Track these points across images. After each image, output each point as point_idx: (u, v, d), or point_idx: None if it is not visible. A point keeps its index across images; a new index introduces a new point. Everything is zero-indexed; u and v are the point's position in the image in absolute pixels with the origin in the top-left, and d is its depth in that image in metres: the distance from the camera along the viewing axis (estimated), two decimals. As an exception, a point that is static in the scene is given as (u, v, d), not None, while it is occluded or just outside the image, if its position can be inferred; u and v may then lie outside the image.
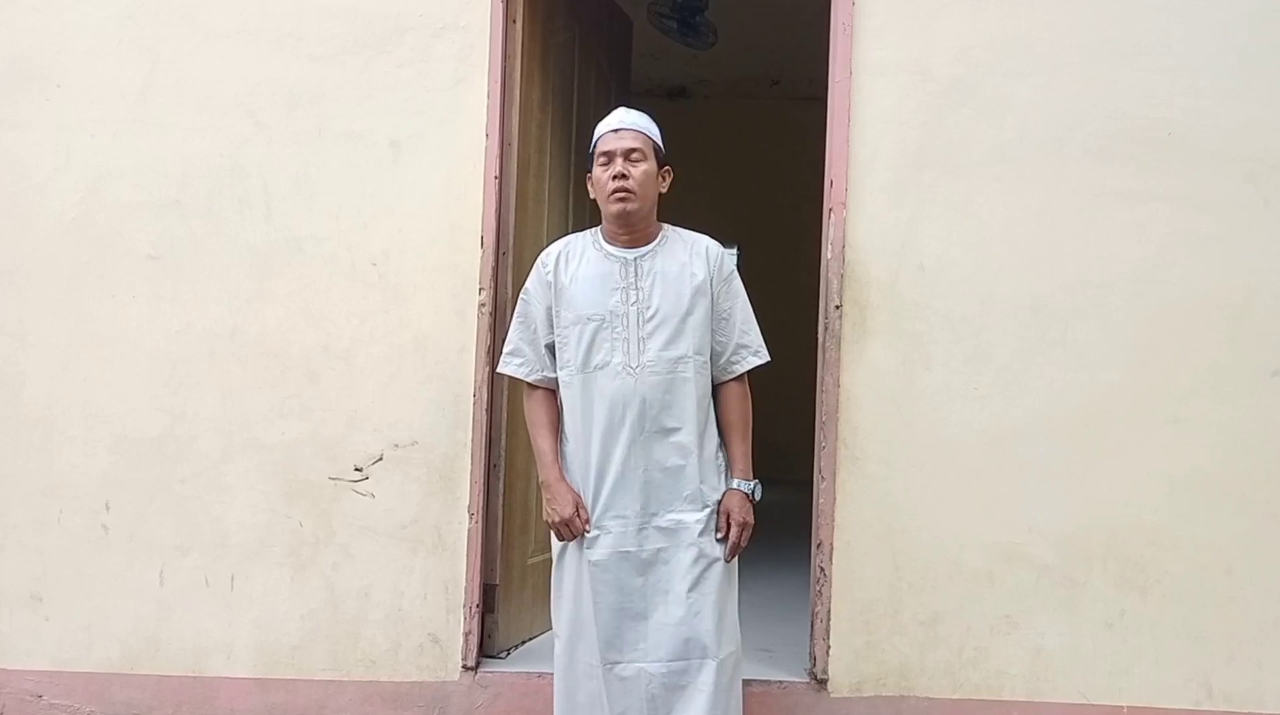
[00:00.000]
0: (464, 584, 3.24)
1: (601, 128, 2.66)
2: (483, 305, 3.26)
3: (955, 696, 3.14)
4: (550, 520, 2.63)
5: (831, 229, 3.19)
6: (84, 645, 3.29)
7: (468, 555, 3.24)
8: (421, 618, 3.25)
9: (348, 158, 3.30)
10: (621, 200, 2.57)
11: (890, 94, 3.21)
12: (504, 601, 3.36)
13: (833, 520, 3.16)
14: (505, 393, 3.33)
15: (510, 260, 3.34)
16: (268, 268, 3.30)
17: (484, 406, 3.25)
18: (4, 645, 3.30)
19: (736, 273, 2.70)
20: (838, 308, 3.17)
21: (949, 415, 3.17)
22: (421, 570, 3.25)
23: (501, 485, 3.33)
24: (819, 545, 3.17)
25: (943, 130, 3.20)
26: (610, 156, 2.60)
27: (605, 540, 2.57)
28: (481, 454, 3.25)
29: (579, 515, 2.58)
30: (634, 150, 2.59)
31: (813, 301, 3.26)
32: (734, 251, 6.81)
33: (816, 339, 3.22)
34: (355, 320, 3.29)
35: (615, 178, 2.57)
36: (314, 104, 3.31)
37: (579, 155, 3.80)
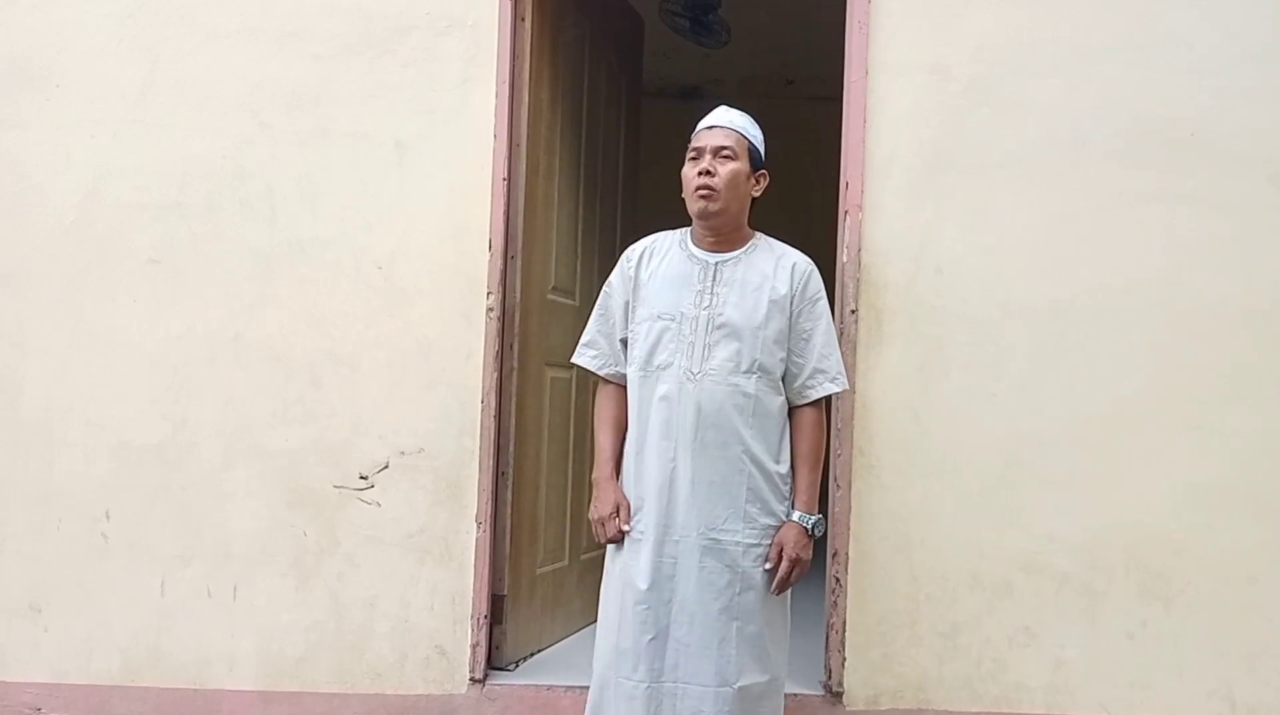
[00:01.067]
0: (471, 595, 3.24)
1: (700, 124, 2.64)
2: (490, 309, 3.26)
3: (974, 709, 3.14)
4: (590, 518, 2.63)
5: (847, 232, 3.19)
6: (83, 656, 3.29)
7: (475, 565, 3.24)
8: (428, 629, 3.25)
9: (352, 159, 3.30)
10: (704, 198, 2.54)
11: (907, 94, 3.21)
12: (512, 613, 3.36)
13: (848, 529, 3.16)
14: (514, 400, 3.33)
15: (519, 264, 3.34)
16: (270, 271, 3.31)
17: (492, 413, 3.25)
18: (2, 656, 3.31)
19: (823, 293, 2.64)
20: (853, 312, 3.17)
21: (967, 422, 3.17)
22: (428, 581, 3.25)
23: (510, 494, 3.33)
24: (834, 555, 3.17)
25: (961, 131, 3.20)
26: (700, 152, 2.57)
27: (644, 546, 2.52)
28: (489, 462, 3.25)
29: (616, 517, 2.55)
30: (724, 148, 2.55)
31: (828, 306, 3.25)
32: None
33: (831, 344, 3.22)
34: (360, 324, 3.29)
35: (700, 174, 2.54)
36: (317, 104, 3.31)
37: (589, 156, 3.82)
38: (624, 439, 2.64)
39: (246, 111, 3.33)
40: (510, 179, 3.30)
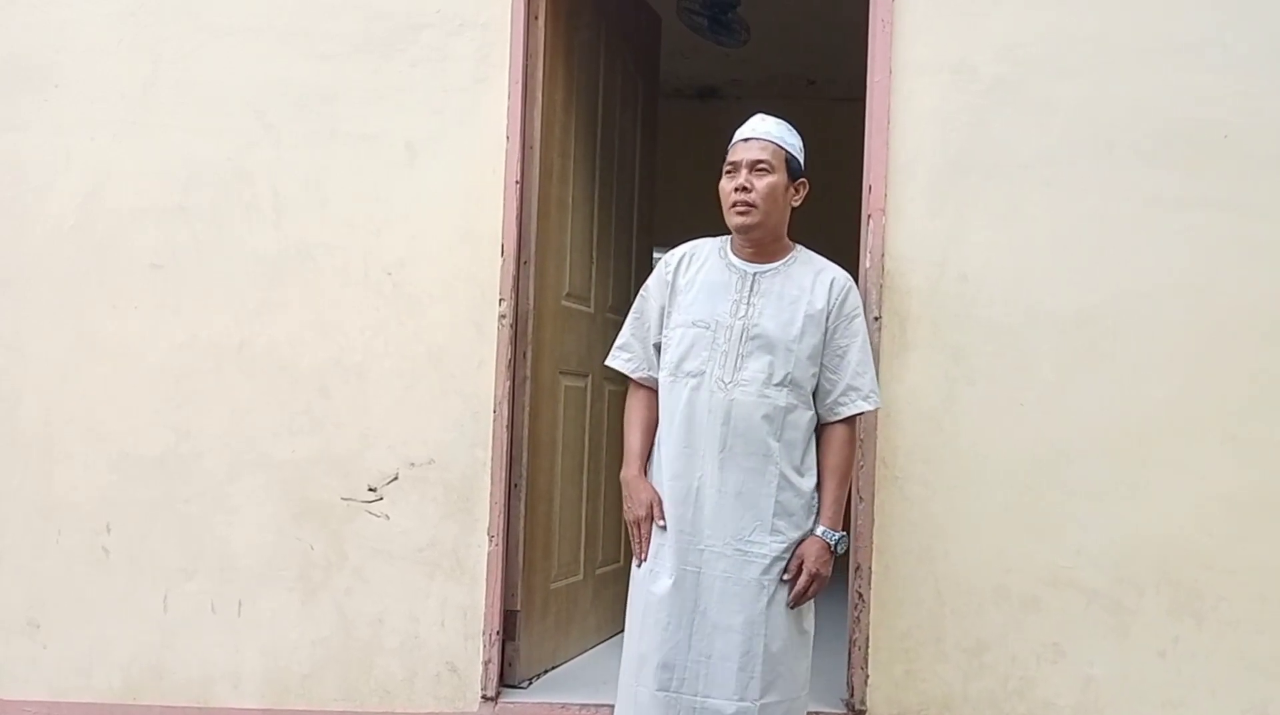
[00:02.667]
0: (483, 610, 3.24)
1: (735, 135, 2.67)
2: (503, 316, 3.26)
3: (1001, 729, 3.14)
4: (625, 518, 2.67)
5: (870, 236, 3.19)
6: (84, 674, 3.29)
7: (487, 580, 3.24)
8: (439, 645, 3.25)
9: (361, 161, 3.30)
10: (741, 215, 2.58)
11: (932, 94, 3.20)
12: (525, 628, 3.36)
13: (871, 543, 3.16)
14: (527, 409, 3.33)
15: (531, 269, 3.35)
16: (276, 277, 3.31)
17: (504, 423, 3.25)
18: (0, 674, 3.31)
19: (860, 310, 2.68)
20: (876, 319, 3.16)
21: (992, 432, 3.16)
22: (439, 595, 3.25)
23: (523, 506, 3.33)
24: (857, 569, 3.17)
25: (987, 133, 3.19)
26: (736, 167, 2.60)
27: (668, 554, 2.56)
28: (502, 473, 3.25)
29: (650, 517, 2.59)
30: (760, 162, 2.58)
31: (850, 312, 3.26)
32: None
33: (854, 352, 3.22)
34: (369, 332, 3.29)
35: (737, 189, 2.58)
36: (325, 105, 3.32)
37: (604, 159, 3.82)
38: (654, 440, 2.68)
39: (252, 112, 3.33)
40: (523, 182, 3.31)
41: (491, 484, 3.25)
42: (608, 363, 2.81)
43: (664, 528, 2.57)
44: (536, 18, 3.33)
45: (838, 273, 2.67)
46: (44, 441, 3.32)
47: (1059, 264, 3.18)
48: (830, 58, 5.33)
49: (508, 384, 3.26)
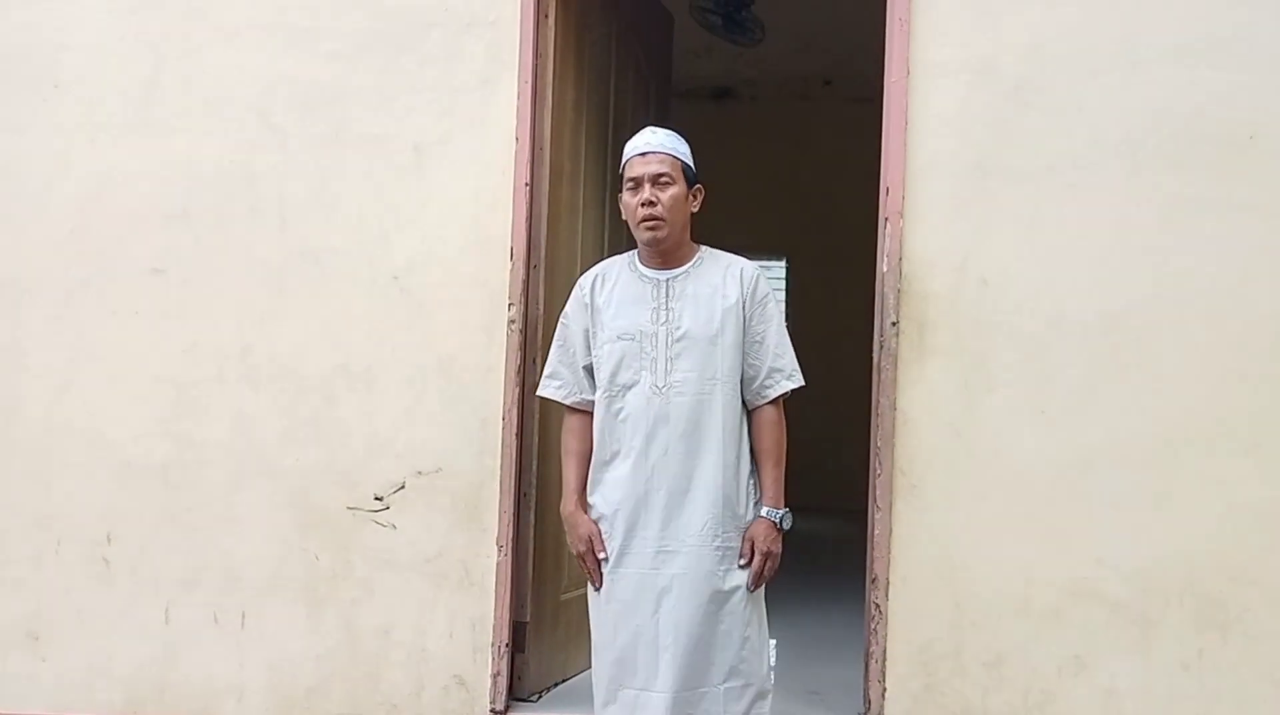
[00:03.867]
0: (492, 622, 3.23)
1: (628, 150, 2.75)
2: (512, 322, 3.24)
3: (1022, 743, 3.11)
4: (573, 553, 2.77)
5: (887, 240, 3.17)
6: (84, 688, 3.28)
7: (496, 591, 3.23)
8: (447, 658, 3.24)
9: (368, 164, 3.30)
10: (651, 229, 2.67)
11: (952, 95, 3.18)
12: (535, 641, 3.35)
13: (889, 553, 3.14)
14: (536, 417, 3.32)
15: (541, 273, 3.33)
16: (282, 282, 3.30)
17: (514, 431, 3.23)
18: (-2, 688, 3.30)
19: (772, 295, 2.78)
20: (894, 325, 3.14)
21: (1013, 441, 3.14)
22: (447, 607, 3.24)
23: (532, 516, 3.32)
24: (874, 580, 3.15)
25: (1008, 134, 3.17)
26: (638, 182, 2.68)
27: (626, 560, 2.65)
28: (511, 482, 3.24)
29: (591, 550, 2.68)
30: (661, 175, 2.67)
31: (867, 318, 3.24)
32: (776, 266, 7.16)
33: (871, 358, 3.20)
34: (376, 338, 3.28)
35: (644, 204, 2.66)
36: (332, 105, 3.31)
37: (615, 160, 3.78)
38: (589, 468, 2.76)
39: (257, 113, 3.32)
40: (533, 184, 3.29)
41: (500, 493, 3.24)
42: (539, 393, 2.90)
43: (605, 559, 2.66)
44: (547, 16, 3.32)
45: (745, 264, 2.77)
46: (44, 451, 3.31)
47: (1082, 269, 3.15)
48: (847, 57, 5.33)
49: (517, 391, 3.24)
